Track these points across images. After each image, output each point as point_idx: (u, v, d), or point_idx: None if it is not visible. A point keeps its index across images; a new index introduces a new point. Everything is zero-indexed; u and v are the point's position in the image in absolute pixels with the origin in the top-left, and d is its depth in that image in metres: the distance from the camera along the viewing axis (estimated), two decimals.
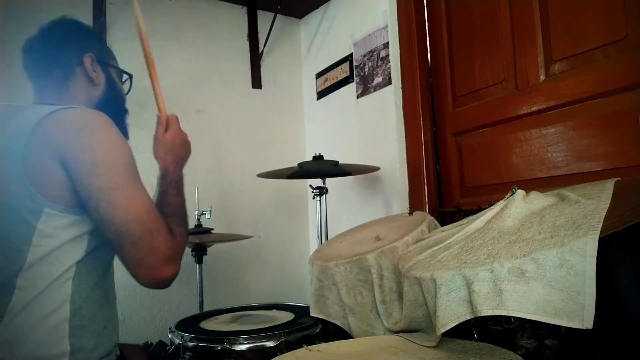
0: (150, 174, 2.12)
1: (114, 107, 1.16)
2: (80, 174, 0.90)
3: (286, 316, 1.50)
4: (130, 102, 2.13)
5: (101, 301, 1.01)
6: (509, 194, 1.11)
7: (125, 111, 1.23)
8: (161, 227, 0.94)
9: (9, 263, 0.91)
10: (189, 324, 1.45)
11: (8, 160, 0.92)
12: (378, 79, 2.10)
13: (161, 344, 1.39)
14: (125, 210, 0.90)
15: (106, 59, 1.18)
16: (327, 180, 1.86)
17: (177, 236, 0.97)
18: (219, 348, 1.23)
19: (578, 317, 0.76)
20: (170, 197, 1.06)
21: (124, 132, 1.19)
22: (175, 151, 1.13)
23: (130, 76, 1.25)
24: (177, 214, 1.03)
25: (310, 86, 2.61)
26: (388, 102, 2.04)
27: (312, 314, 1.37)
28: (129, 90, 1.24)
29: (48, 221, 0.91)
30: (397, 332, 1.13)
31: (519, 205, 1.04)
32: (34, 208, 0.90)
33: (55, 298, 0.92)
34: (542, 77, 1.54)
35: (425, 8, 1.98)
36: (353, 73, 2.26)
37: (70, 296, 0.94)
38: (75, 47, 1.11)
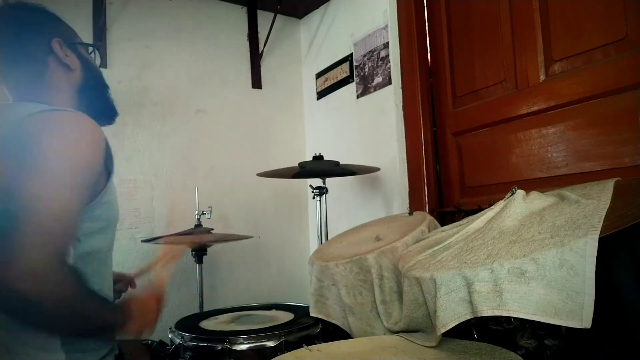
0: (150, 174, 2.14)
1: (96, 86, 1.11)
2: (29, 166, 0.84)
3: (286, 316, 1.50)
4: (130, 102, 2.15)
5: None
6: (509, 194, 1.11)
7: (106, 86, 1.16)
8: (58, 244, 0.82)
9: None
10: (189, 324, 1.45)
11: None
12: (378, 79, 2.10)
13: (161, 343, 1.39)
14: (41, 211, 0.81)
15: (72, 38, 1.09)
16: (327, 180, 1.86)
17: (65, 274, 0.83)
18: (219, 348, 1.23)
19: (577, 317, 0.76)
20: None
21: (110, 107, 1.15)
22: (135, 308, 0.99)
23: (95, 47, 1.16)
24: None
25: (310, 86, 2.61)
26: (388, 102, 2.04)
27: (311, 314, 1.37)
28: (100, 64, 1.17)
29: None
30: (397, 332, 1.13)
31: (519, 205, 1.04)
32: None
33: None
34: (542, 77, 1.54)
35: (425, 8, 1.98)
36: (353, 73, 2.26)
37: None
38: (40, 34, 1.02)
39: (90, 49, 1.15)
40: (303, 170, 1.74)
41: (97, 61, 1.17)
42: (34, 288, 0.75)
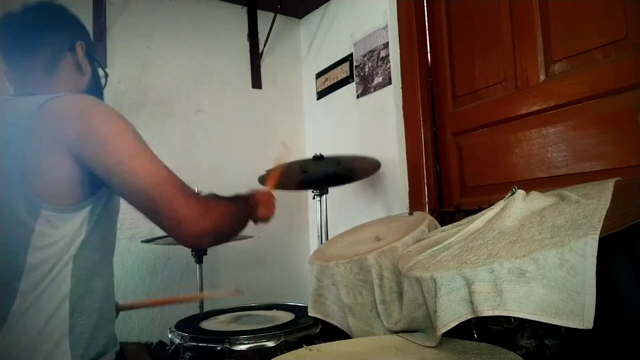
0: None
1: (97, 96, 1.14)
2: (94, 157, 0.89)
3: (286, 316, 1.50)
4: (130, 102, 2.15)
5: (99, 293, 1.00)
6: (509, 194, 1.11)
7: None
8: (185, 185, 0.95)
9: (8, 266, 0.90)
10: (189, 324, 1.45)
11: (5, 159, 0.90)
12: (378, 79, 2.09)
13: (161, 344, 1.39)
14: (151, 174, 0.91)
15: (92, 52, 1.16)
16: None
17: (212, 200, 0.99)
18: (219, 348, 1.23)
19: (578, 317, 0.76)
20: (234, 206, 1.07)
21: None
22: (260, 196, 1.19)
23: (106, 75, 1.22)
24: (226, 200, 1.04)
25: (310, 86, 2.61)
26: (388, 102, 2.04)
27: (310, 314, 1.37)
28: (104, 86, 1.21)
29: (45, 223, 0.89)
30: (397, 332, 1.13)
31: (519, 205, 1.04)
32: (31, 210, 0.88)
33: (55, 297, 0.91)
34: (542, 77, 1.54)
35: (425, 8, 1.98)
36: (353, 73, 2.25)
37: (69, 293, 0.93)
38: (69, 31, 1.09)
39: (103, 72, 1.20)
40: (305, 180, 1.74)
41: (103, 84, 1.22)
42: (210, 223, 0.93)
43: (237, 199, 1.10)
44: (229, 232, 1.03)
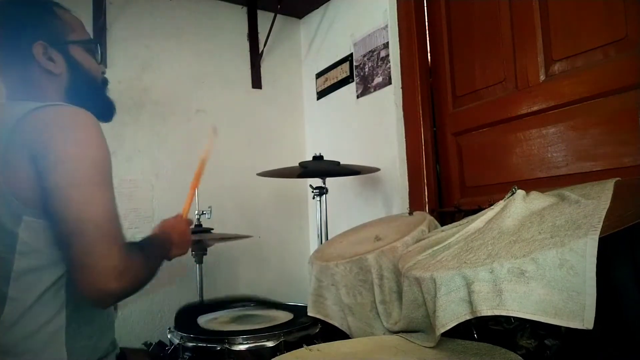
0: (149, 174, 2.14)
1: (86, 89, 1.05)
2: (44, 170, 0.84)
3: (286, 316, 1.50)
4: (130, 102, 2.15)
5: None
6: (509, 194, 1.11)
7: (101, 85, 1.11)
8: (118, 237, 0.88)
9: None
10: (188, 320, 1.45)
11: None
12: (378, 79, 2.09)
13: (161, 344, 1.39)
14: (81, 210, 0.84)
15: (64, 36, 1.02)
16: (327, 180, 1.86)
17: (134, 258, 0.90)
18: (219, 348, 1.23)
19: (578, 318, 0.76)
20: (148, 258, 0.97)
21: (108, 106, 1.11)
22: (175, 237, 1.10)
23: (95, 42, 1.11)
24: (145, 254, 0.97)
25: (310, 86, 2.61)
26: (388, 102, 2.04)
27: (309, 314, 1.37)
28: (101, 59, 1.11)
29: (28, 229, 0.87)
30: (396, 332, 1.13)
31: (519, 205, 1.04)
32: (13, 214, 0.86)
33: (50, 306, 0.90)
34: (542, 77, 1.54)
35: (425, 8, 1.98)
36: (353, 73, 2.25)
37: (65, 302, 0.91)
38: (25, 34, 0.97)
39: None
40: (305, 170, 1.74)
41: (98, 57, 1.11)
42: (120, 285, 0.84)
43: (151, 245, 1.01)
44: (137, 289, 0.92)
